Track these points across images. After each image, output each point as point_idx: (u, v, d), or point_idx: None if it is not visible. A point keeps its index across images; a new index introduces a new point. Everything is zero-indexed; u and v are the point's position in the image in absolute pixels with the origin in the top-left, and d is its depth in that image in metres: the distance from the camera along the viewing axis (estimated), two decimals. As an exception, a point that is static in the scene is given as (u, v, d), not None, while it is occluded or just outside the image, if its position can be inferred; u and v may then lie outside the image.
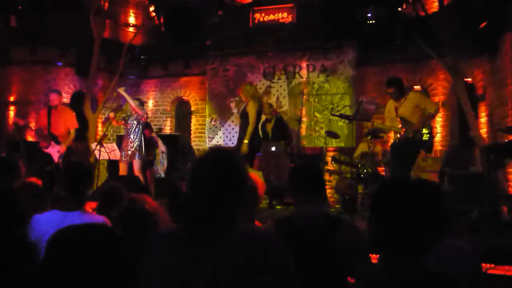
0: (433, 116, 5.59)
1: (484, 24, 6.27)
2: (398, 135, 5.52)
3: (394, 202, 1.37)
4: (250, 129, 5.78)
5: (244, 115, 6.00)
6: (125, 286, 1.28)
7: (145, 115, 6.60)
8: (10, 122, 8.33)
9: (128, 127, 6.54)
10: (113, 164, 7.72)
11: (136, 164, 6.43)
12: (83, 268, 1.20)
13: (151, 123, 8.72)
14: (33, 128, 7.36)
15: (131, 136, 6.46)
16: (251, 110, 5.85)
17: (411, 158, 5.47)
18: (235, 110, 6.11)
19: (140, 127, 6.52)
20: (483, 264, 3.53)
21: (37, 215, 2.45)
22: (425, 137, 5.34)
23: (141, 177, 6.40)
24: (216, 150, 1.58)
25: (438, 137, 7.52)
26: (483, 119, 6.79)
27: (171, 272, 1.42)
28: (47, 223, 2.35)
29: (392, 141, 5.80)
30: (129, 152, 6.43)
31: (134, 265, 1.38)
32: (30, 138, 7.98)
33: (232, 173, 1.48)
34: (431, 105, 5.47)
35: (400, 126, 5.44)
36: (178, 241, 1.45)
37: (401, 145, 5.43)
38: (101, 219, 2.53)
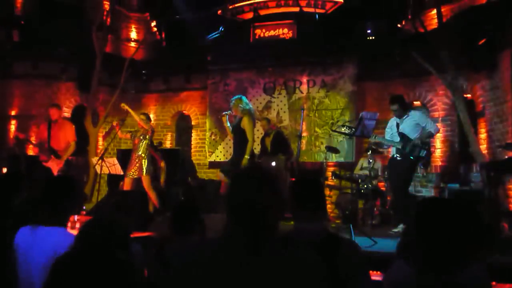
0: (432, 135, 5.71)
1: (483, 41, 6.32)
2: (396, 151, 5.61)
3: (438, 220, 1.40)
4: (250, 145, 5.76)
5: (238, 131, 5.88)
6: None
7: (151, 130, 6.60)
8: (11, 136, 8.35)
9: (136, 142, 6.54)
10: (113, 178, 7.73)
11: (146, 179, 6.42)
12: None
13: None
14: (33, 142, 7.38)
15: (139, 151, 6.45)
16: (248, 126, 5.77)
17: (408, 174, 5.59)
18: (227, 124, 6.03)
19: (147, 142, 6.52)
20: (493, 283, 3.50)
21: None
22: (422, 154, 5.43)
23: (150, 193, 6.40)
24: (257, 168, 1.70)
25: (437, 153, 7.53)
26: (483, 135, 6.80)
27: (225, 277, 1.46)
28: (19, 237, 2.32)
29: (390, 156, 5.84)
30: (136, 167, 6.42)
31: None
32: (30, 152, 7.99)
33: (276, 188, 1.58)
34: (432, 125, 5.59)
35: (398, 141, 5.53)
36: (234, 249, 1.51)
37: (399, 161, 5.53)
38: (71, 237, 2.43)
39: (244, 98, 5.96)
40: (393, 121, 5.74)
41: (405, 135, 5.51)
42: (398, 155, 5.57)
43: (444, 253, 1.36)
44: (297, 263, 1.49)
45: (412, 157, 5.41)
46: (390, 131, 5.73)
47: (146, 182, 6.42)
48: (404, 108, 5.65)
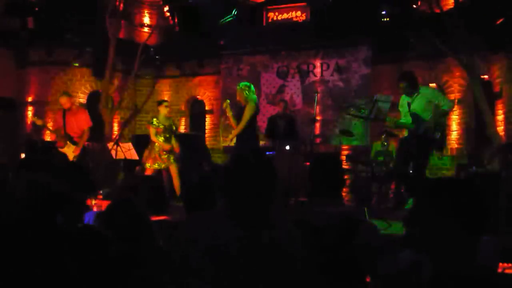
0: (447, 113, 5.35)
1: (500, 20, 6.20)
2: (408, 132, 5.38)
3: (437, 201, 1.40)
4: (240, 126, 5.80)
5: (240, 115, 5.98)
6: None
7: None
8: (28, 122, 8.47)
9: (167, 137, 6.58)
10: (129, 163, 7.81)
11: (174, 168, 6.54)
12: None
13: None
14: (50, 128, 7.48)
15: (169, 144, 6.53)
16: (247, 113, 5.79)
17: (423, 156, 5.29)
18: (230, 113, 6.08)
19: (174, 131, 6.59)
20: (501, 264, 3.50)
21: None
22: (436, 136, 5.15)
23: (176, 181, 6.50)
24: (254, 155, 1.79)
25: (454, 135, 7.45)
26: (500, 116, 6.71)
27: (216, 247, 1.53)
28: None
29: (401, 136, 5.62)
30: (165, 158, 6.50)
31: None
32: (47, 138, 8.11)
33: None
34: (445, 101, 5.24)
35: (411, 122, 5.28)
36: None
37: (411, 142, 5.26)
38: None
39: (252, 87, 5.99)
40: (404, 100, 5.40)
41: (417, 115, 5.19)
42: (411, 137, 5.30)
43: (443, 236, 1.36)
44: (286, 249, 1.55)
45: (425, 139, 5.12)
46: (403, 110, 5.41)
47: (175, 170, 6.53)
48: (414, 86, 5.29)
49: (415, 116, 5.24)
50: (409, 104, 5.32)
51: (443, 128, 5.30)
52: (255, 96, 5.96)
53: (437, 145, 5.34)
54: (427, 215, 1.40)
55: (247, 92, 5.87)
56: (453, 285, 1.30)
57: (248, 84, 6.02)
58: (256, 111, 5.95)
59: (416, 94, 5.29)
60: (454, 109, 7.36)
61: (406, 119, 5.38)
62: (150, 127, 6.54)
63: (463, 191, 1.40)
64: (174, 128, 6.77)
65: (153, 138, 6.53)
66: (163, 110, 6.62)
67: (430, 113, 5.19)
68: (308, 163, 6.78)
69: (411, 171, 5.49)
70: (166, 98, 9.84)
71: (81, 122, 7.01)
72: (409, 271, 1.42)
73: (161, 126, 6.53)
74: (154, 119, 6.57)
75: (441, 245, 1.37)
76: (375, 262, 1.99)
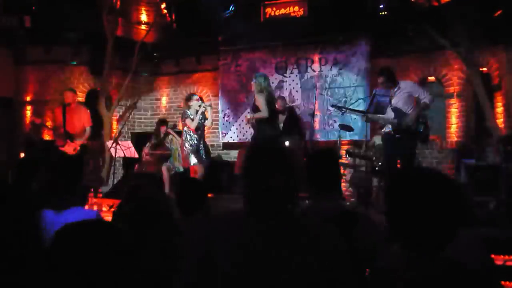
0: (427, 107, 5.30)
1: (499, 12, 6.17)
2: (392, 127, 5.33)
3: (411, 194, 1.37)
4: (262, 114, 5.82)
5: (257, 110, 5.97)
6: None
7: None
8: (27, 122, 8.46)
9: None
10: (128, 161, 7.82)
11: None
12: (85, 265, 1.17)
13: (166, 119, 8.78)
14: (49, 126, 7.47)
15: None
16: (259, 103, 5.89)
17: (410, 151, 5.29)
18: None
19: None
20: (502, 256, 3.50)
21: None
22: (419, 129, 5.16)
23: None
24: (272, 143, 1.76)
25: (453, 128, 7.44)
26: (499, 109, 6.70)
27: (241, 243, 1.51)
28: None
29: (385, 130, 5.55)
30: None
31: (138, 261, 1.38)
32: (47, 137, 8.10)
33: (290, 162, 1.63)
34: (426, 94, 5.25)
35: (394, 117, 5.26)
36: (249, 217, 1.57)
37: (397, 138, 5.24)
38: (94, 213, 2.54)
39: (266, 76, 6.10)
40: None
41: (399, 109, 5.22)
42: (394, 133, 5.28)
43: (418, 231, 1.34)
44: (315, 238, 1.51)
45: (408, 133, 5.13)
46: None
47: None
48: (392, 80, 5.34)
49: (397, 110, 5.25)
50: (390, 100, 5.33)
51: (426, 121, 5.27)
52: (265, 84, 5.99)
53: (421, 138, 5.30)
54: (404, 209, 1.38)
55: (263, 83, 5.95)
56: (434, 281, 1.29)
57: (264, 74, 6.16)
58: (270, 99, 6.00)
59: (396, 88, 5.31)
60: (453, 102, 7.38)
61: (387, 114, 5.35)
62: (187, 120, 6.44)
63: (436, 184, 1.37)
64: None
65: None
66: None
67: (411, 107, 5.24)
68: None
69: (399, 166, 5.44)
70: (164, 95, 9.85)
71: (82, 120, 7.01)
72: (399, 267, 1.40)
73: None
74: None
75: (419, 239, 1.35)
76: (374, 256, 1.98)
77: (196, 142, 6.36)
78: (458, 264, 1.32)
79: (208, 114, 6.53)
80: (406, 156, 5.27)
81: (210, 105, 6.72)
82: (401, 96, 5.27)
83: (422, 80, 7.72)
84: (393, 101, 5.30)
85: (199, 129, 6.44)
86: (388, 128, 5.43)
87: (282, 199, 1.56)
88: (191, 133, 6.32)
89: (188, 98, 6.74)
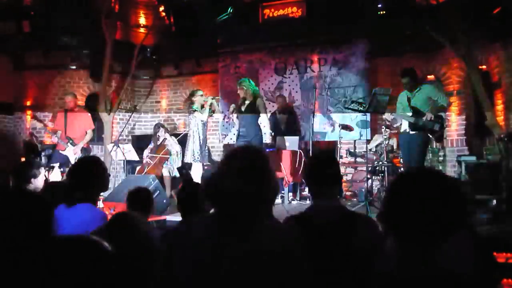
0: (444, 109, 5.67)
1: (498, 9, 6.16)
2: (408, 125, 5.56)
3: (410, 192, 1.37)
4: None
5: (253, 113, 6.24)
6: None
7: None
8: (27, 126, 8.47)
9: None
10: (129, 164, 7.82)
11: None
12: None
13: (165, 123, 8.80)
14: (50, 131, 7.48)
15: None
16: (263, 108, 6.24)
17: (422, 148, 5.56)
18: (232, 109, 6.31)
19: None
20: (504, 254, 3.49)
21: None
22: (435, 127, 5.39)
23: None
24: (246, 147, 1.70)
25: (453, 126, 7.44)
26: (499, 106, 6.68)
27: (200, 256, 1.49)
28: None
29: (402, 130, 5.80)
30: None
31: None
32: (47, 141, 8.11)
33: (260, 170, 1.58)
34: (443, 98, 5.57)
35: (411, 115, 5.50)
36: (210, 229, 1.55)
37: (412, 135, 5.50)
38: (103, 214, 2.58)
39: (249, 80, 6.36)
40: (403, 95, 5.68)
41: (417, 108, 5.47)
42: (410, 130, 5.53)
43: (415, 228, 1.34)
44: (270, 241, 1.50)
45: (424, 131, 5.38)
46: (401, 106, 5.68)
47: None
48: (416, 82, 5.61)
49: (415, 109, 5.49)
50: (409, 99, 5.58)
51: (442, 120, 5.52)
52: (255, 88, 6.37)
53: (436, 136, 5.54)
54: (399, 210, 1.38)
55: (251, 87, 6.14)
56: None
57: (247, 79, 6.26)
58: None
59: (417, 89, 5.55)
60: (453, 100, 7.38)
61: (405, 112, 5.53)
62: (196, 113, 6.62)
63: (433, 185, 1.37)
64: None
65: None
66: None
67: (428, 108, 5.50)
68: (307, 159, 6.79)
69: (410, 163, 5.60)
70: (164, 98, 9.86)
71: (83, 124, 7.02)
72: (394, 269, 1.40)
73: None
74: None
75: (414, 232, 1.35)
76: (374, 256, 1.98)
77: (199, 139, 6.49)
78: (450, 272, 1.31)
79: (215, 107, 6.67)
80: (418, 153, 5.49)
81: (214, 98, 6.80)
82: (420, 97, 5.54)
83: (421, 79, 7.71)
84: (412, 101, 5.55)
85: (203, 127, 6.58)
86: (404, 127, 5.67)
87: (246, 204, 1.54)
88: (198, 128, 6.51)
89: (192, 94, 6.86)
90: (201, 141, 6.56)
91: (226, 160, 1.63)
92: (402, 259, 1.35)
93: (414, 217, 1.34)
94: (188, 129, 6.75)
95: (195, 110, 6.60)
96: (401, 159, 6.44)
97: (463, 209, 1.37)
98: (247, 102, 6.31)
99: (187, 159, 6.67)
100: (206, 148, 6.74)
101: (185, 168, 7.43)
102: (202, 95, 6.74)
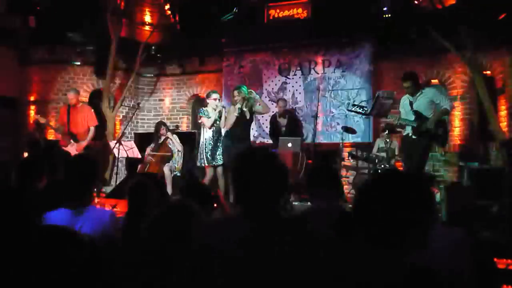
0: (447, 112, 5.60)
1: (503, 15, 6.16)
2: (411, 129, 5.51)
3: (377, 193, 1.39)
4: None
5: (251, 117, 6.34)
6: None
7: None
8: (31, 121, 8.49)
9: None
10: (131, 162, 7.83)
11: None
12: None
13: (168, 121, 8.80)
14: (53, 126, 7.50)
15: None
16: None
17: (424, 152, 5.50)
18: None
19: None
20: (504, 260, 3.48)
21: (48, 213, 2.43)
22: (439, 132, 5.34)
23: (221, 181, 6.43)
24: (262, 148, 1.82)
25: (456, 131, 7.43)
26: (503, 112, 6.68)
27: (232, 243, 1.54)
28: (58, 221, 2.34)
29: (403, 134, 5.78)
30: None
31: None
32: (50, 137, 8.13)
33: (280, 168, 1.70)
34: (446, 101, 5.49)
35: (413, 119, 5.44)
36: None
37: (414, 140, 5.44)
38: (109, 212, 2.58)
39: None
40: (405, 99, 5.62)
41: (420, 113, 5.41)
42: (413, 134, 5.47)
43: (381, 229, 1.35)
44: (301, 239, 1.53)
45: (427, 135, 5.32)
46: (404, 110, 5.62)
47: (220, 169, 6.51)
48: (418, 85, 5.55)
49: (418, 114, 5.43)
50: (411, 103, 5.51)
51: (445, 125, 5.51)
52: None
53: (439, 140, 5.51)
54: (365, 212, 1.40)
55: (254, 93, 6.31)
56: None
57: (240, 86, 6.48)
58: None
59: (419, 93, 5.48)
60: (456, 105, 7.37)
61: (407, 117, 5.50)
62: (203, 118, 6.57)
63: (394, 186, 1.39)
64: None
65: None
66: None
67: (431, 112, 5.44)
68: (310, 161, 6.78)
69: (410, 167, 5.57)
70: (168, 96, 9.87)
71: (86, 120, 7.03)
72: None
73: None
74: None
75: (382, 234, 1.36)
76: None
77: (211, 142, 6.44)
78: (420, 268, 1.32)
79: (222, 115, 6.55)
80: (420, 158, 5.44)
81: (224, 107, 6.71)
82: (423, 101, 5.46)
83: (425, 83, 7.70)
84: (414, 105, 5.47)
85: (214, 129, 6.51)
86: (407, 131, 5.61)
87: (270, 200, 1.61)
88: (207, 131, 6.48)
89: (207, 95, 6.80)
90: (211, 145, 6.48)
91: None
92: (370, 262, 1.35)
93: (379, 218, 1.35)
94: (200, 132, 6.70)
95: (201, 116, 6.57)
96: (403, 163, 6.41)
97: (427, 210, 1.38)
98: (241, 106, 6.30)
99: (199, 163, 6.61)
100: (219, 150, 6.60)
101: (191, 170, 7.41)
102: (215, 99, 6.60)
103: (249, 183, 1.63)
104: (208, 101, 6.64)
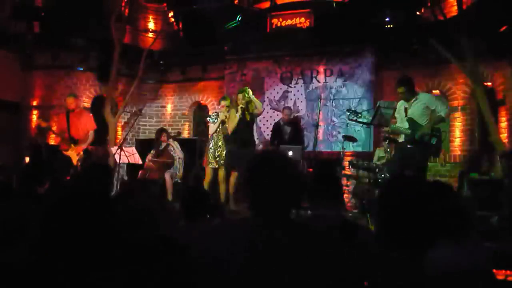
0: (443, 119, 5.35)
1: (504, 27, 6.20)
2: (405, 137, 5.37)
3: (399, 199, 1.40)
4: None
5: (251, 121, 6.52)
6: None
7: None
8: (33, 126, 8.52)
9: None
10: (132, 168, 7.85)
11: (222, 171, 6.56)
12: None
13: (170, 127, 8.82)
14: (55, 131, 7.53)
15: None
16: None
17: (423, 162, 5.33)
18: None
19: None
20: (504, 271, 3.48)
21: None
22: (432, 141, 5.19)
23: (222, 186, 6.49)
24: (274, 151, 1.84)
25: (457, 142, 7.44)
26: (503, 123, 6.70)
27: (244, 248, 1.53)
28: None
29: (400, 141, 5.61)
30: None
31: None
32: (52, 141, 8.16)
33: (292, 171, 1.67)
34: (442, 108, 5.28)
35: (407, 127, 5.30)
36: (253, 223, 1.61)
37: (410, 149, 5.28)
38: None
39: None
40: (401, 105, 5.45)
41: (414, 120, 5.25)
42: (407, 144, 5.30)
43: (405, 234, 1.37)
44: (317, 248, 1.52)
45: (421, 144, 5.15)
46: (399, 116, 5.47)
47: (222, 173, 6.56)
48: (412, 91, 5.37)
49: (412, 121, 5.27)
50: (406, 110, 5.36)
51: (440, 134, 5.29)
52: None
53: (433, 151, 5.33)
54: (388, 217, 1.41)
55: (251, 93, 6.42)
56: None
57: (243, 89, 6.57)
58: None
59: (414, 99, 5.33)
60: (457, 116, 7.38)
61: (402, 124, 5.40)
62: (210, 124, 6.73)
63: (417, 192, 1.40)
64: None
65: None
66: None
67: (427, 119, 5.25)
68: (311, 169, 6.80)
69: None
70: (170, 103, 9.90)
71: (84, 125, 7.07)
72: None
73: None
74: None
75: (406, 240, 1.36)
76: (373, 268, 1.99)
77: (214, 146, 6.57)
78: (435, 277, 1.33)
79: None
80: (418, 167, 5.25)
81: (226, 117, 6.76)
82: (417, 108, 5.28)
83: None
84: (409, 112, 5.31)
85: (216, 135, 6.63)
86: (402, 138, 5.46)
87: (285, 205, 1.59)
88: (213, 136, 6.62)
89: (220, 101, 6.96)
90: (218, 147, 6.58)
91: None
92: (389, 265, 1.37)
93: (402, 223, 1.37)
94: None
95: (210, 122, 6.68)
96: (388, 169, 5.82)
97: (452, 216, 1.40)
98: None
99: (211, 165, 6.64)
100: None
101: (198, 174, 7.43)
102: (223, 106, 6.72)
103: (267, 188, 1.58)
104: (219, 108, 6.81)
